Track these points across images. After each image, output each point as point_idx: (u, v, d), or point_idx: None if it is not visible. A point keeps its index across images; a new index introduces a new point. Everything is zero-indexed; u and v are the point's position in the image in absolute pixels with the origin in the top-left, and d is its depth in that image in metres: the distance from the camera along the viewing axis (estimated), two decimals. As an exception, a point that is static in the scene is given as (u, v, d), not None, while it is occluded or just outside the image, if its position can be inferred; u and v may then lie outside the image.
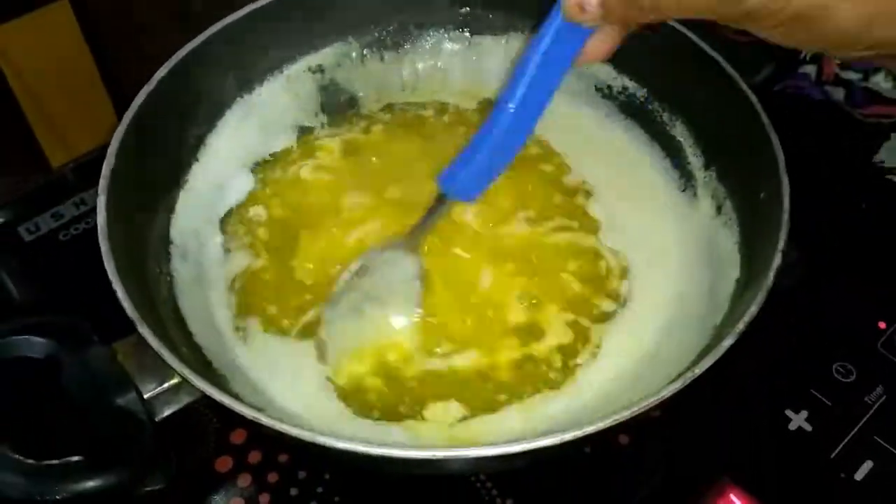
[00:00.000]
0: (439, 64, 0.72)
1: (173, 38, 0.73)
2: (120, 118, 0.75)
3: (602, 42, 0.44)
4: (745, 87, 0.57)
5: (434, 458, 0.42)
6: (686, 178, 0.64)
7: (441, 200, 0.54)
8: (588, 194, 0.64)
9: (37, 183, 0.73)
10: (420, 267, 0.55)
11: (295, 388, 0.53)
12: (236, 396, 0.48)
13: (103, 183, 0.51)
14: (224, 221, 0.62)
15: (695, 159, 0.63)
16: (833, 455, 0.55)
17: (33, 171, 0.74)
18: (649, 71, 0.66)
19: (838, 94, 0.78)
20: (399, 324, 0.54)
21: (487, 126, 0.48)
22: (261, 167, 0.65)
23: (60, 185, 0.70)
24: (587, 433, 0.42)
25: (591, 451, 0.55)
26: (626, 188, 0.64)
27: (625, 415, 0.43)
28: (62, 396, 0.45)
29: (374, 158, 0.66)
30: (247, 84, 0.65)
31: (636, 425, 0.50)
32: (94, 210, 0.66)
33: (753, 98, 0.57)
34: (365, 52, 0.70)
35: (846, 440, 0.55)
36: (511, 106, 0.47)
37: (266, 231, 0.61)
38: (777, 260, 0.48)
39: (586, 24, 0.43)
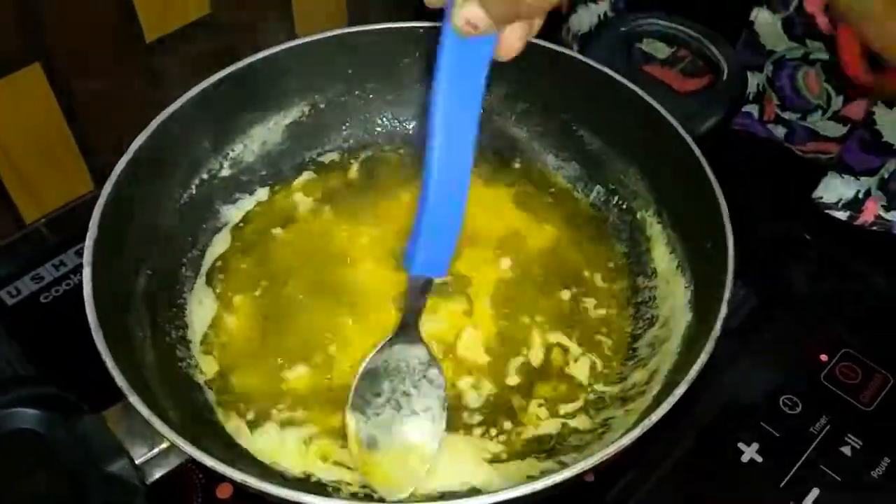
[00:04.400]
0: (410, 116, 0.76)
1: (143, 97, 0.76)
2: (92, 173, 0.77)
3: (513, 38, 0.42)
4: (690, 141, 0.61)
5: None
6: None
7: (415, 282, 0.51)
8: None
9: (11, 240, 0.75)
10: (429, 353, 0.55)
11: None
12: (227, 451, 0.51)
13: (87, 255, 0.53)
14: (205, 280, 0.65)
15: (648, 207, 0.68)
16: (782, 484, 0.59)
17: (7, 226, 0.76)
18: (604, 123, 0.70)
19: (779, 131, 0.83)
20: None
21: (423, 196, 0.45)
22: (238, 227, 0.68)
23: (38, 246, 0.72)
24: (554, 482, 0.46)
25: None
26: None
27: (590, 462, 0.46)
28: (56, 466, 0.47)
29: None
30: (220, 145, 0.68)
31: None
32: (73, 271, 0.69)
33: (698, 151, 0.61)
34: (331, 108, 0.73)
35: (794, 470, 0.59)
36: (436, 165, 0.43)
37: (244, 293, 0.64)
38: (723, 311, 0.52)
39: (482, 34, 0.41)
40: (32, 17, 0.64)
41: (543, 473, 0.47)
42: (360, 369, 0.55)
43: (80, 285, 0.51)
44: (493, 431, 0.58)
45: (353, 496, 0.52)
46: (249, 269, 0.66)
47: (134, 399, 0.47)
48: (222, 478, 0.56)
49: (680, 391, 0.48)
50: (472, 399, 0.59)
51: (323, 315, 0.63)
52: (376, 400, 0.54)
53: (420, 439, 0.54)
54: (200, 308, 0.63)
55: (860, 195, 0.74)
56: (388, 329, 0.56)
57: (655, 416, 0.48)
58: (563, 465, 0.47)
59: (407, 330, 0.54)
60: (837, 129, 0.79)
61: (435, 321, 0.61)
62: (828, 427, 0.62)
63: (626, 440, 0.47)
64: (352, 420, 0.54)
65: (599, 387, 0.60)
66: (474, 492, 0.53)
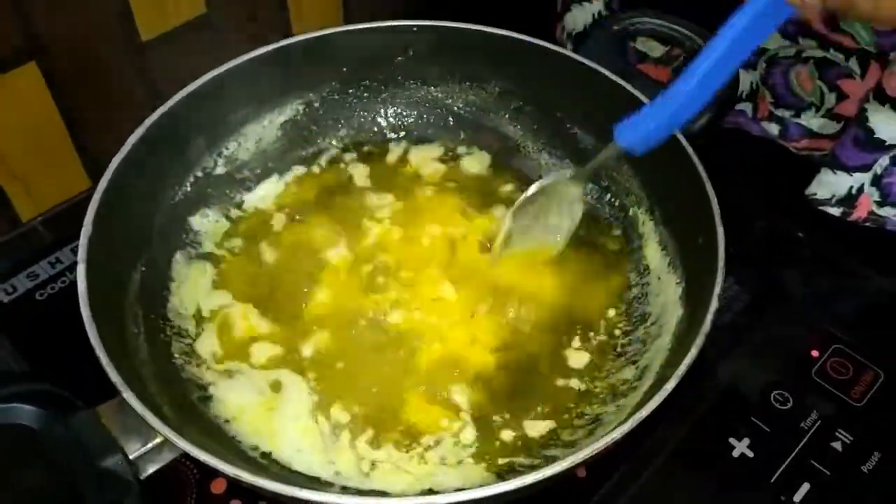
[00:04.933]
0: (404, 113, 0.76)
1: (139, 95, 0.76)
2: (89, 171, 0.78)
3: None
4: (682, 138, 0.61)
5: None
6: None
7: (613, 148, 0.57)
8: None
9: (8, 238, 0.75)
10: (580, 195, 0.64)
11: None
12: (221, 446, 0.51)
13: (82, 252, 0.53)
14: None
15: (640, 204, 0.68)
16: (773, 479, 0.59)
17: (4, 225, 0.76)
18: (597, 121, 0.70)
19: (773, 129, 0.83)
20: None
21: (675, 89, 0.51)
22: (232, 223, 0.69)
23: (34, 244, 0.73)
24: (545, 476, 0.46)
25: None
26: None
27: (580, 456, 0.47)
28: (50, 462, 0.47)
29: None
30: (215, 143, 0.68)
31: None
32: (68, 268, 0.70)
33: (690, 149, 0.61)
34: (325, 106, 0.73)
35: (785, 465, 0.60)
36: (698, 73, 0.50)
37: (239, 289, 0.64)
38: (714, 304, 0.52)
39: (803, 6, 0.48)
40: (28, 17, 0.65)
41: (533, 468, 0.48)
42: (532, 189, 0.64)
43: (75, 282, 0.51)
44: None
45: (345, 489, 0.53)
46: (244, 265, 0.66)
47: (128, 394, 0.47)
48: (216, 473, 0.57)
49: (670, 386, 0.49)
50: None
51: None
52: (529, 208, 0.64)
53: (546, 243, 0.66)
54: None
55: (853, 191, 0.74)
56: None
57: (645, 411, 0.48)
58: (554, 460, 0.47)
59: (580, 173, 0.63)
60: (831, 127, 0.80)
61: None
62: (818, 422, 0.62)
63: (616, 434, 0.47)
64: (508, 220, 0.65)
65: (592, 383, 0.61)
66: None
